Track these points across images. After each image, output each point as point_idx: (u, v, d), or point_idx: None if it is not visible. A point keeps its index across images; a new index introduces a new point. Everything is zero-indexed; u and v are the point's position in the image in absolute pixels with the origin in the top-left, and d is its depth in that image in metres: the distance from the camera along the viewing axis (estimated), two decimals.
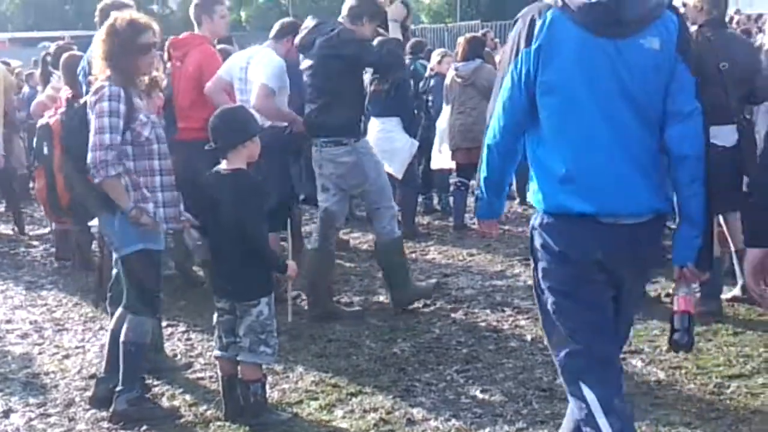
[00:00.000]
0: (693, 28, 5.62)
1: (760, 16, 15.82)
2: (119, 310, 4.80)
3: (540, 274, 3.23)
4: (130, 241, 4.56)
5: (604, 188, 3.05)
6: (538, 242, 3.20)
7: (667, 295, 6.04)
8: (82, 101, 4.59)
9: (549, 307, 3.22)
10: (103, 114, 4.40)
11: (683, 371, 4.97)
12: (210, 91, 6.33)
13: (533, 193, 3.21)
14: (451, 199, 9.63)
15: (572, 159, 3.06)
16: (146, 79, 4.71)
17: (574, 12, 3.01)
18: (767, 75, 5.65)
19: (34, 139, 4.48)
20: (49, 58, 8.49)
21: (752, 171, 5.37)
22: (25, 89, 11.45)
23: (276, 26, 6.76)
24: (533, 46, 3.05)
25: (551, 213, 3.14)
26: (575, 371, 3.20)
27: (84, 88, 5.85)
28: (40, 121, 4.57)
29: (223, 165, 4.51)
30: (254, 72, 6.27)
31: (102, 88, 4.47)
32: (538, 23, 3.05)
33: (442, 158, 9.06)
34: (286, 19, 7.05)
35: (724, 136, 5.54)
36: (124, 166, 4.47)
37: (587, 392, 3.15)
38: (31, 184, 10.35)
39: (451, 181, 9.37)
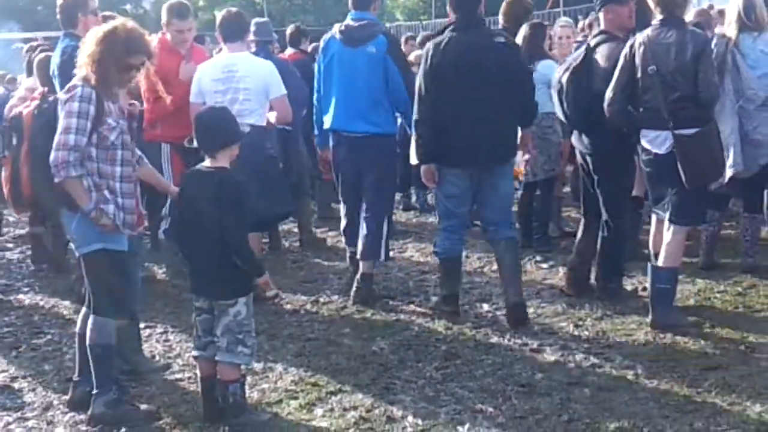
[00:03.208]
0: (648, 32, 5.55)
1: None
2: (83, 310, 4.79)
3: (333, 163, 6.57)
4: (89, 240, 4.55)
5: (342, 116, 6.28)
6: (330, 144, 6.53)
7: (644, 288, 6.07)
8: (54, 97, 4.57)
9: (335, 176, 6.63)
10: (72, 114, 4.40)
11: (661, 365, 5.00)
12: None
13: (329, 122, 6.42)
14: (429, 196, 9.61)
15: (334, 102, 6.30)
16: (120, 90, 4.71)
17: (337, 36, 6.32)
18: (707, 78, 5.37)
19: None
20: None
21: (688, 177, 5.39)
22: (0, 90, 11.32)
23: (227, 25, 6.54)
24: (323, 51, 6.47)
25: (328, 129, 6.41)
26: (343, 211, 6.67)
27: (57, 88, 5.83)
28: (15, 110, 4.55)
29: (207, 163, 4.49)
30: (260, 84, 6.32)
31: (74, 88, 4.46)
32: (325, 40, 6.51)
33: None
34: (232, 14, 6.70)
35: (657, 142, 5.44)
36: (87, 168, 4.46)
37: (342, 221, 6.69)
38: None
39: None
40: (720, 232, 6.95)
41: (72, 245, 4.73)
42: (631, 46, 5.54)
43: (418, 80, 5.72)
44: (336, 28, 6.38)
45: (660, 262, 5.59)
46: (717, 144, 5.55)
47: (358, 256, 6.42)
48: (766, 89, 6.21)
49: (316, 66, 6.60)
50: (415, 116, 5.77)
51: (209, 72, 6.41)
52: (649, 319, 5.60)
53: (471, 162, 5.69)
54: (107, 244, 4.57)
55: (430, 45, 5.73)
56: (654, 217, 5.88)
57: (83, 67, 4.52)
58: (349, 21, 6.34)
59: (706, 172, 5.48)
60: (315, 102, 6.61)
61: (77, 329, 4.81)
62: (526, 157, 6.46)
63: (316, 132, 6.72)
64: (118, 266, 4.66)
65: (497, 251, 5.91)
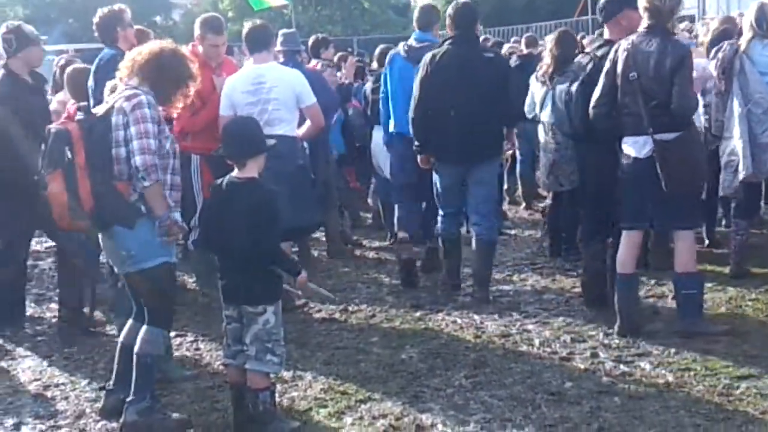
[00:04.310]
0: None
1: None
2: (130, 322, 4.79)
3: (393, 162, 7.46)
4: (153, 254, 4.55)
5: (403, 120, 6.89)
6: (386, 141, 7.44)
7: (674, 297, 6.04)
8: (103, 110, 4.56)
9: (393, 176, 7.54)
10: (146, 120, 4.42)
11: (692, 373, 4.97)
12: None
13: (392, 126, 7.23)
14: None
15: (398, 109, 7.06)
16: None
17: (403, 53, 7.16)
18: (681, 91, 5.34)
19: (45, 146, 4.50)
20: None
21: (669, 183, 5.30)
22: None
23: (252, 36, 6.58)
24: (389, 64, 7.32)
25: (395, 132, 7.20)
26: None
27: (92, 103, 5.86)
28: (54, 127, 4.55)
29: (236, 173, 4.52)
30: (290, 93, 6.38)
31: (137, 95, 4.47)
32: (392, 55, 7.39)
33: None
34: (257, 26, 6.71)
35: (637, 147, 5.43)
36: None
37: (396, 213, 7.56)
38: None
39: None
40: (749, 240, 6.90)
41: (121, 261, 4.64)
42: (615, 51, 5.56)
43: (415, 85, 6.59)
44: (401, 46, 7.32)
45: (677, 269, 5.58)
46: (698, 149, 5.58)
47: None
48: None
49: (382, 77, 7.61)
50: (410, 115, 6.62)
51: (239, 85, 6.41)
52: (678, 327, 5.58)
53: (461, 160, 6.56)
54: (168, 257, 4.62)
55: (428, 55, 6.59)
56: (625, 235, 5.66)
57: (140, 76, 4.55)
58: (412, 41, 7.21)
59: (687, 177, 5.43)
60: (381, 109, 7.54)
61: (122, 339, 4.81)
62: (508, 146, 7.57)
63: (383, 133, 7.62)
64: (175, 278, 4.73)
65: (476, 247, 6.68)
